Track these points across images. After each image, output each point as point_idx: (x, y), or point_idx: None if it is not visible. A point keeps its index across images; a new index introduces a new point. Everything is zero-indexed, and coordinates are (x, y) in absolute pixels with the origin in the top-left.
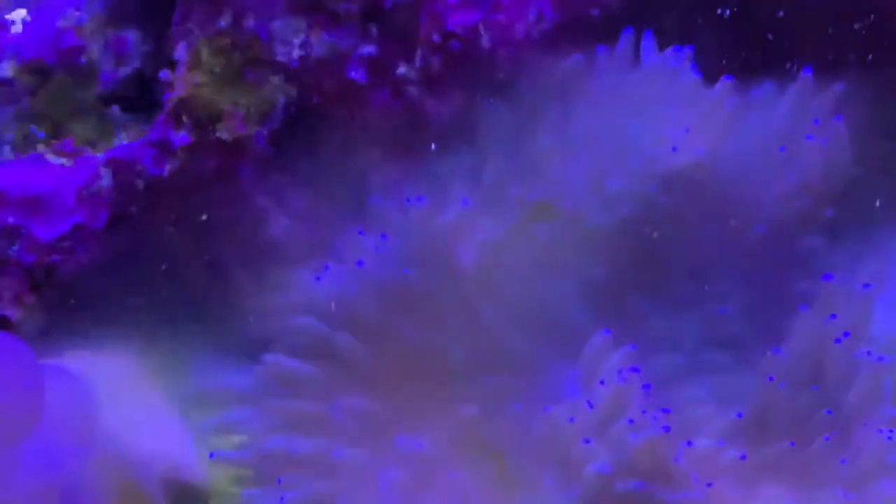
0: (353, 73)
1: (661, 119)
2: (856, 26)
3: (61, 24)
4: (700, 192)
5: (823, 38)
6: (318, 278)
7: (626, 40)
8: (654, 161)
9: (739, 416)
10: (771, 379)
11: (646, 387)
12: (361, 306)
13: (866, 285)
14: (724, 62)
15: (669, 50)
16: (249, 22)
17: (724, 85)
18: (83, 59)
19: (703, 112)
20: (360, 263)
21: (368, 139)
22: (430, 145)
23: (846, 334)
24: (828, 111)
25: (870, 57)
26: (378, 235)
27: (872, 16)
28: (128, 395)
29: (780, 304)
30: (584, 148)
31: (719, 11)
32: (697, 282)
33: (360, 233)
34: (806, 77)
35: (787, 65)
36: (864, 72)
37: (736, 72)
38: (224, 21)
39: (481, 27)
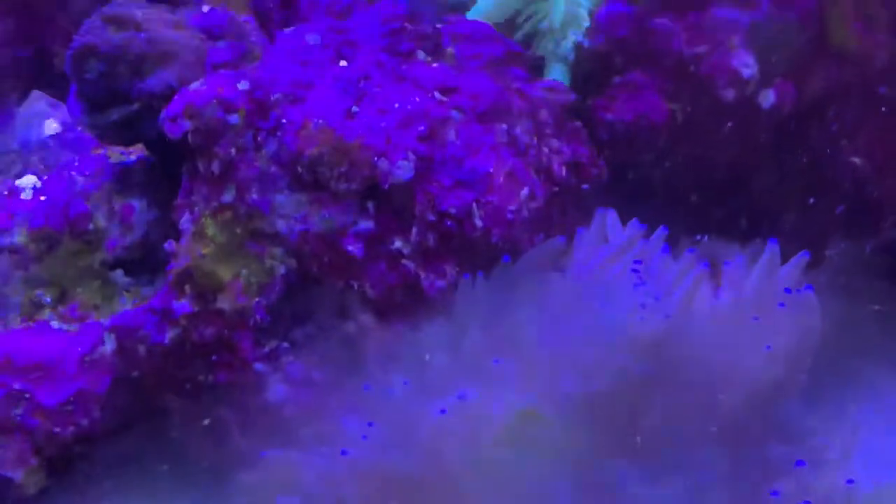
0: (350, 248)
1: (630, 292)
2: (829, 199)
3: (70, 191)
4: (673, 362)
5: (796, 210)
6: (306, 457)
7: (598, 219)
8: (625, 332)
9: None
10: None
11: None
12: (347, 488)
13: (849, 480)
14: (705, 233)
15: (633, 225)
16: (252, 196)
17: (688, 257)
18: (91, 225)
19: (669, 282)
20: (344, 452)
21: (364, 309)
22: (426, 355)
23: None
24: (797, 281)
25: (842, 225)
26: (366, 420)
27: (847, 184)
28: None
29: (759, 469)
30: (558, 321)
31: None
32: (676, 449)
33: (347, 418)
34: (773, 248)
35: (760, 237)
36: (835, 240)
37: (715, 238)
38: (228, 195)
39: (475, 207)
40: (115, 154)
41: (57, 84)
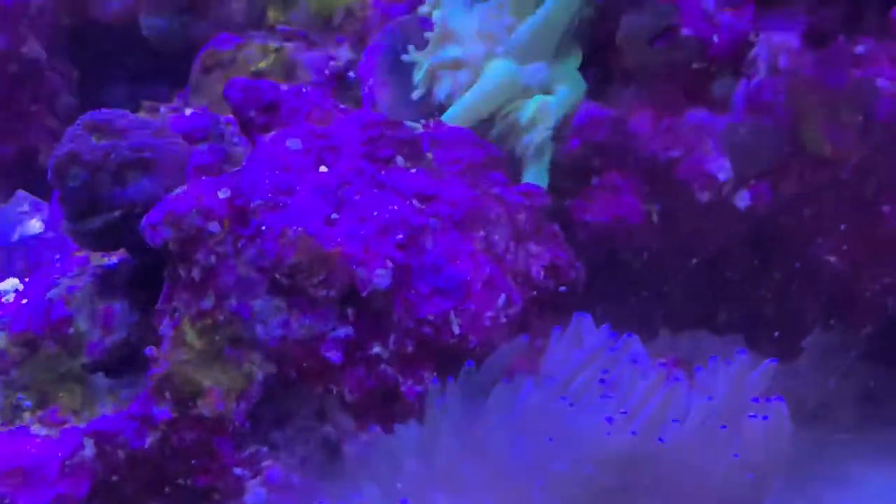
0: (328, 353)
1: (598, 405)
2: (806, 296)
3: (51, 294)
4: (643, 472)
5: (774, 306)
6: None
7: (573, 323)
8: (593, 446)
9: None
10: None
11: None
12: None
13: None
14: (684, 327)
15: (607, 333)
16: (232, 303)
17: (658, 370)
18: (71, 329)
19: (639, 397)
20: None
21: (343, 413)
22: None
23: None
24: (765, 389)
25: (820, 320)
26: None
27: (823, 282)
28: None
29: None
30: (528, 431)
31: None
32: None
33: None
34: (743, 359)
35: (739, 331)
36: (814, 336)
37: (692, 333)
38: (207, 302)
39: (452, 314)
40: (97, 256)
41: (41, 181)
